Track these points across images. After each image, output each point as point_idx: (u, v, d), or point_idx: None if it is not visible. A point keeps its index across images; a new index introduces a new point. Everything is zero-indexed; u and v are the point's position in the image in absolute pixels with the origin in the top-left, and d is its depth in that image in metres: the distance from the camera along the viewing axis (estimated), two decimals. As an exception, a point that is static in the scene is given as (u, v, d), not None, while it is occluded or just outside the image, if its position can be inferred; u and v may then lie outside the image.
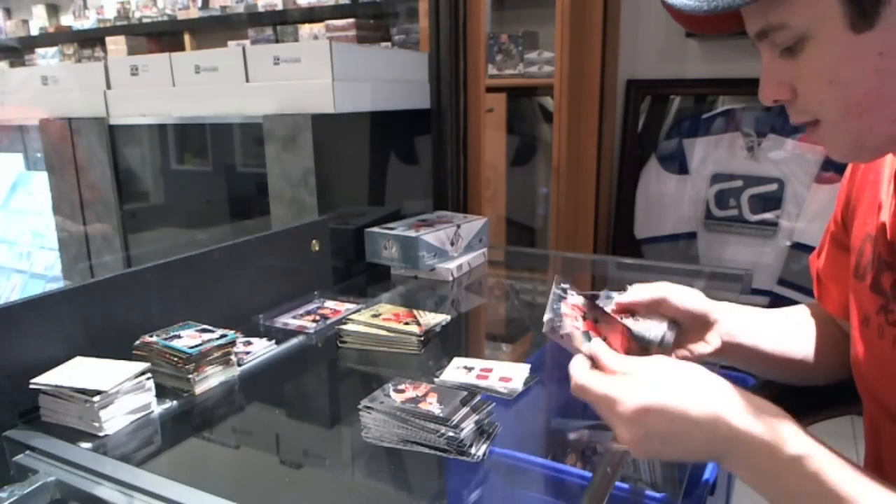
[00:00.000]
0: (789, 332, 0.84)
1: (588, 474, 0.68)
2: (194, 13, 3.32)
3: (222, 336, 0.93)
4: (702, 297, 0.79)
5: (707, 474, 0.83)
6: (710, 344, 0.77)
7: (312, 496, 0.74)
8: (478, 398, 0.79)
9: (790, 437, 0.55)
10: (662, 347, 0.74)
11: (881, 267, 0.68)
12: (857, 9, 0.53)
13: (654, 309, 0.78)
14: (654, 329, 0.76)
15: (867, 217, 0.72)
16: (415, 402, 0.78)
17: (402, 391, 0.81)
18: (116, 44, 3.58)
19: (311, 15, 2.98)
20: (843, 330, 0.83)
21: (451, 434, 0.71)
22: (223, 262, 1.11)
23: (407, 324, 1.07)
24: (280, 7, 3.04)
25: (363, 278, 1.45)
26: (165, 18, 3.43)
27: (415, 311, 1.13)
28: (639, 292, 0.79)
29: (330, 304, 1.22)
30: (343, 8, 2.88)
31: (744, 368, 0.89)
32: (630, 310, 0.78)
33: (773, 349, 0.81)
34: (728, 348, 0.78)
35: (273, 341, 1.04)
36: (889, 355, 0.67)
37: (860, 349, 0.72)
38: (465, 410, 0.75)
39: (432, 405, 0.77)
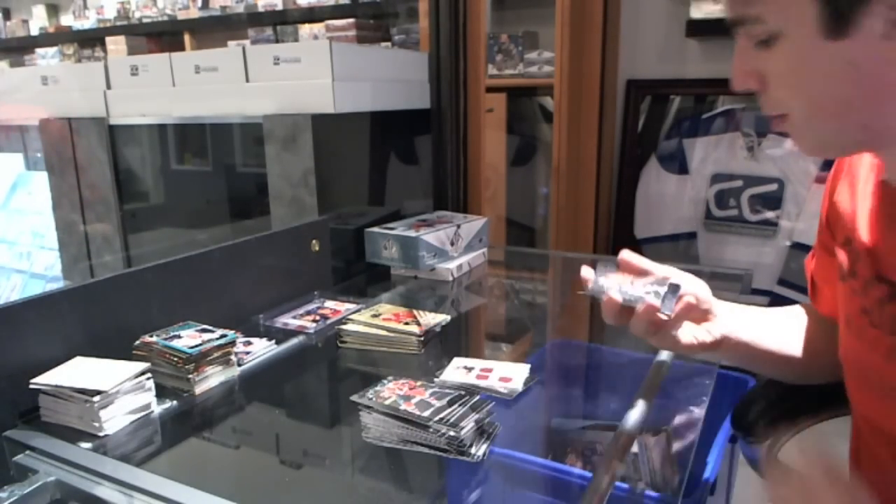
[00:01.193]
0: (787, 330, 0.84)
1: (588, 474, 0.68)
2: (194, 13, 3.32)
3: (222, 336, 0.93)
4: (707, 289, 0.77)
5: (707, 474, 0.83)
6: (710, 334, 0.74)
7: (312, 496, 0.74)
8: (477, 398, 0.79)
9: None
10: (662, 311, 0.68)
11: (857, 256, 0.68)
12: (831, 15, 0.53)
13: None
14: (653, 288, 0.69)
15: (848, 219, 0.72)
16: (412, 402, 0.78)
17: (398, 389, 0.81)
18: (116, 44, 3.58)
19: (311, 15, 2.97)
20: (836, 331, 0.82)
21: (451, 434, 0.71)
22: (223, 262, 1.11)
23: (407, 324, 1.07)
24: (280, 7, 3.04)
25: (363, 278, 1.45)
26: (165, 18, 3.42)
27: (415, 311, 1.13)
28: (649, 263, 0.74)
29: (330, 304, 1.22)
30: (343, 8, 2.88)
31: (741, 366, 0.88)
32: (634, 271, 0.72)
33: (771, 346, 0.81)
34: (727, 344, 0.77)
35: (273, 341, 1.04)
36: (868, 355, 0.68)
37: (853, 347, 0.72)
38: (464, 410, 0.75)
39: (431, 404, 0.77)
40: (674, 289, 0.69)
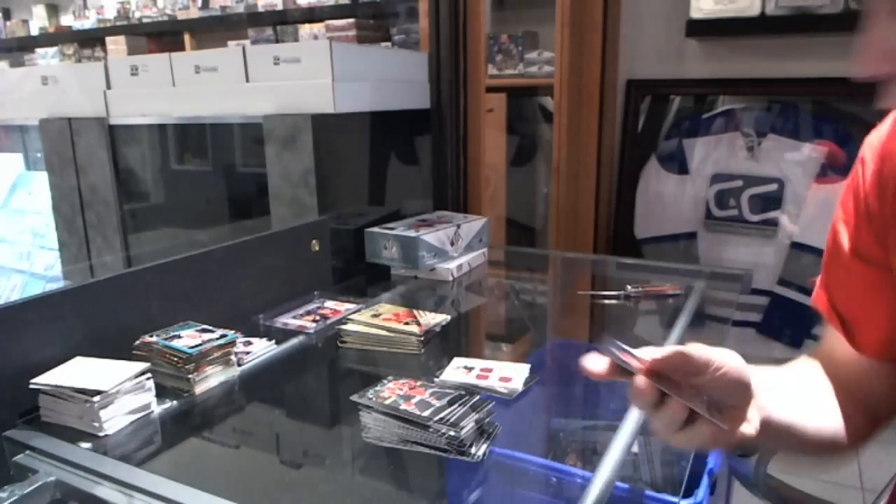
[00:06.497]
0: (816, 404, 0.65)
1: (588, 474, 0.68)
2: (194, 13, 3.32)
3: (222, 336, 0.93)
4: (742, 360, 0.52)
5: (707, 474, 0.83)
6: (751, 423, 0.53)
7: (312, 496, 0.74)
8: (477, 398, 0.79)
9: None
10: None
11: None
12: None
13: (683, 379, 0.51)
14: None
15: None
16: (412, 402, 0.78)
17: (399, 389, 0.81)
18: (116, 44, 3.58)
19: (311, 15, 2.98)
20: (873, 378, 0.65)
21: (451, 434, 0.71)
22: (223, 262, 1.11)
23: (407, 324, 1.07)
24: (280, 7, 3.04)
25: (363, 278, 1.45)
26: (165, 18, 3.43)
27: (415, 311, 1.13)
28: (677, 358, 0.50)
29: (330, 304, 1.22)
30: (343, 8, 2.88)
31: (785, 453, 0.71)
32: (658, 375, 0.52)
33: (806, 428, 0.61)
34: (766, 431, 0.55)
35: (273, 341, 1.04)
36: None
37: None
38: (464, 410, 0.75)
39: (431, 404, 0.77)
40: (711, 409, 0.52)
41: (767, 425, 0.55)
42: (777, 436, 0.58)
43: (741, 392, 0.52)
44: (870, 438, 0.65)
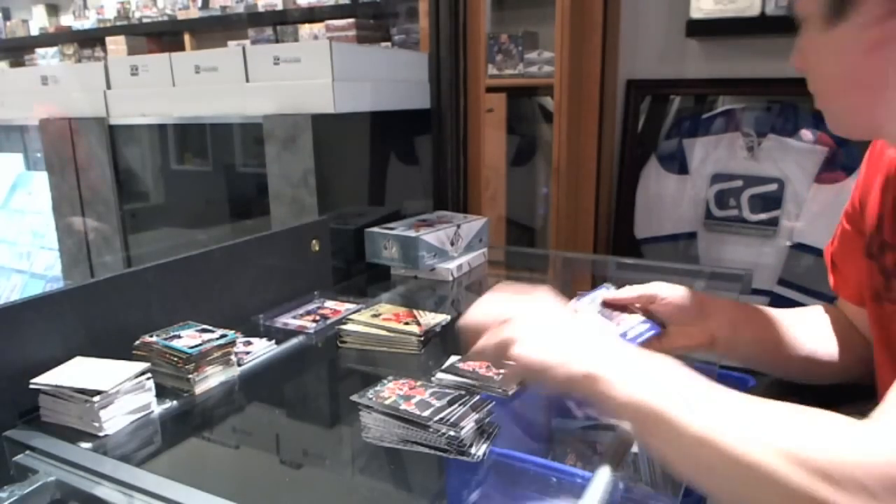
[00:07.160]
0: (798, 328, 0.82)
1: (588, 474, 0.68)
2: (194, 13, 3.32)
3: (222, 336, 0.93)
4: (692, 292, 0.81)
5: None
6: (701, 334, 0.79)
7: (312, 496, 0.74)
8: (477, 398, 0.79)
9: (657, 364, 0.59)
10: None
11: (884, 246, 0.70)
12: (832, 2, 0.59)
13: (644, 305, 0.81)
14: (634, 327, 0.80)
15: (881, 198, 0.73)
16: (412, 402, 0.78)
17: (399, 389, 0.81)
18: (116, 44, 3.58)
19: (311, 15, 2.98)
20: (855, 325, 0.82)
21: (451, 434, 0.72)
22: (223, 262, 1.11)
23: (407, 324, 1.07)
24: (280, 7, 3.05)
25: (363, 278, 1.45)
26: (165, 18, 3.43)
27: (415, 311, 1.13)
28: (629, 291, 0.82)
29: (330, 304, 1.22)
30: (343, 8, 2.88)
31: (746, 364, 0.88)
32: (617, 307, 0.82)
33: (779, 344, 0.80)
34: (729, 342, 0.78)
35: (273, 341, 1.04)
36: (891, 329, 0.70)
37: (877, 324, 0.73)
38: (464, 410, 0.75)
39: (431, 404, 0.77)
40: (652, 327, 0.79)
41: (730, 339, 0.78)
42: (741, 348, 0.80)
43: (683, 314, 0.79)
44: (854, 376, 0.82)
